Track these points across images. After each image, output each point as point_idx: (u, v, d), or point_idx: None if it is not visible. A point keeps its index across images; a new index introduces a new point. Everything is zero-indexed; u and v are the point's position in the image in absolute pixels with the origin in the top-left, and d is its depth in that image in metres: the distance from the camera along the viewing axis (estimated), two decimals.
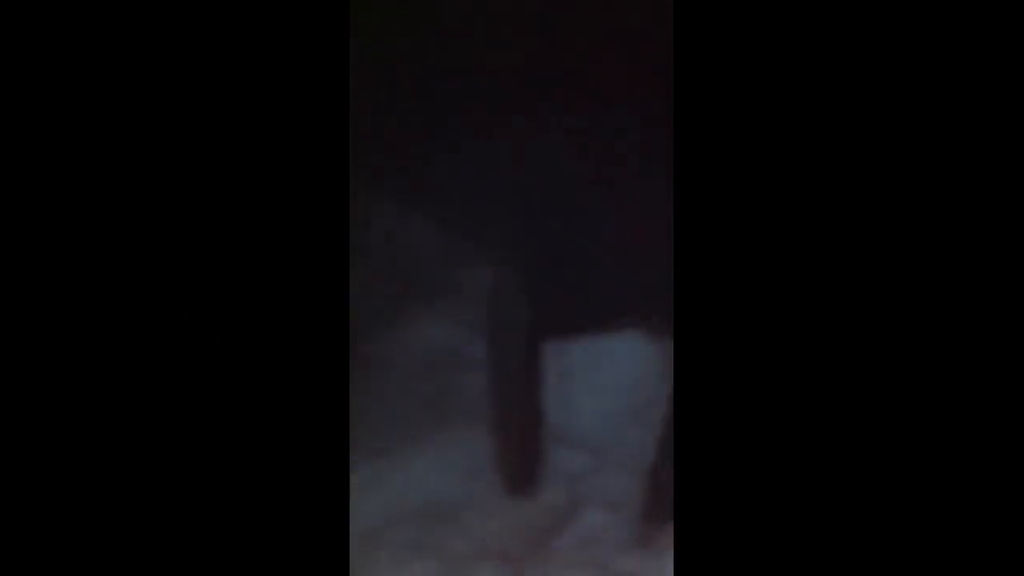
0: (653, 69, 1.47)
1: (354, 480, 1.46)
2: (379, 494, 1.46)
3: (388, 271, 1.52)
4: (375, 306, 1.51)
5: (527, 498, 1.48)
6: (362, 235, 1.50)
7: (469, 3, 1.51)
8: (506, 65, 1.51)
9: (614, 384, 1.50)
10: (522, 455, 1.48)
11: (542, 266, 1.50)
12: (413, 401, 1.50)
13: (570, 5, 1.51)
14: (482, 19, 1.51)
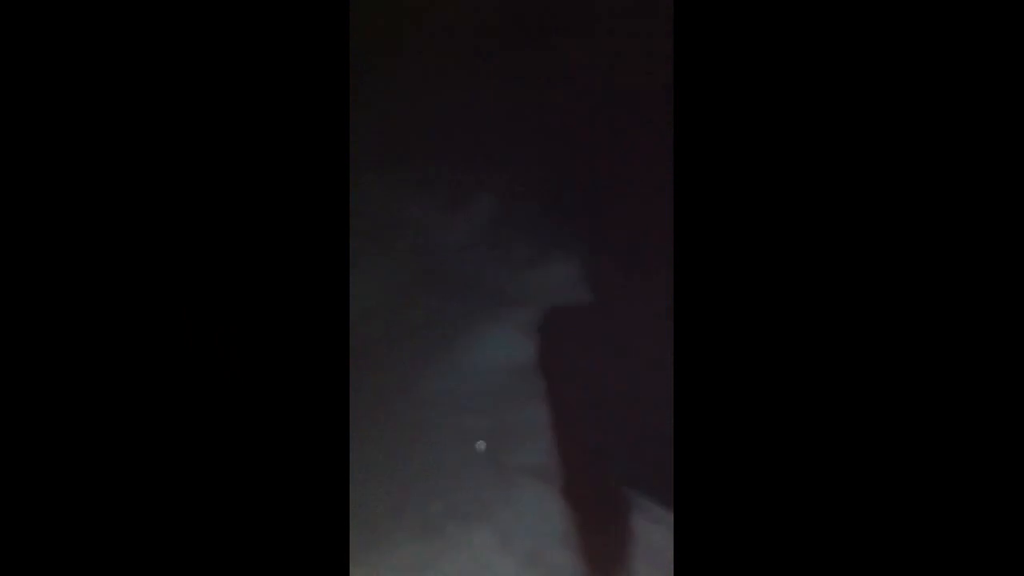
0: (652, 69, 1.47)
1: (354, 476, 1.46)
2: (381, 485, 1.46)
3: (388, 270, 1.52)
4: (375, 304, 1.51)
5: None
6: (363, 235, 1.50)
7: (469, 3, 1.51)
8: (506, 65, 1.51)
9: None
10: None
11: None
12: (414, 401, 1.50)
13: (570, 5, 1.51)
14: (482, 19, 1.51)
